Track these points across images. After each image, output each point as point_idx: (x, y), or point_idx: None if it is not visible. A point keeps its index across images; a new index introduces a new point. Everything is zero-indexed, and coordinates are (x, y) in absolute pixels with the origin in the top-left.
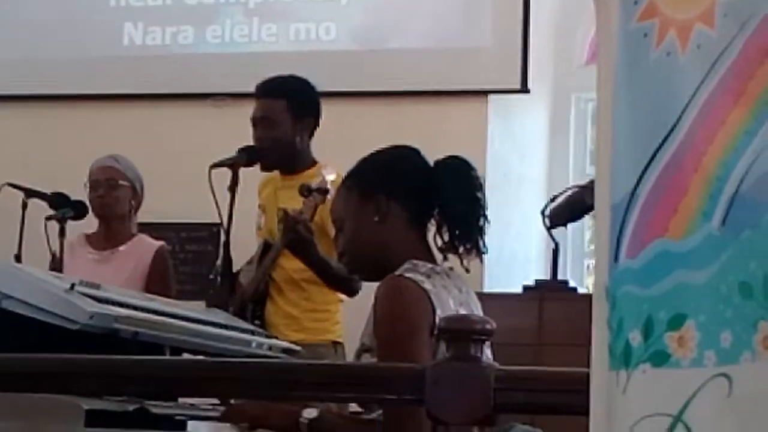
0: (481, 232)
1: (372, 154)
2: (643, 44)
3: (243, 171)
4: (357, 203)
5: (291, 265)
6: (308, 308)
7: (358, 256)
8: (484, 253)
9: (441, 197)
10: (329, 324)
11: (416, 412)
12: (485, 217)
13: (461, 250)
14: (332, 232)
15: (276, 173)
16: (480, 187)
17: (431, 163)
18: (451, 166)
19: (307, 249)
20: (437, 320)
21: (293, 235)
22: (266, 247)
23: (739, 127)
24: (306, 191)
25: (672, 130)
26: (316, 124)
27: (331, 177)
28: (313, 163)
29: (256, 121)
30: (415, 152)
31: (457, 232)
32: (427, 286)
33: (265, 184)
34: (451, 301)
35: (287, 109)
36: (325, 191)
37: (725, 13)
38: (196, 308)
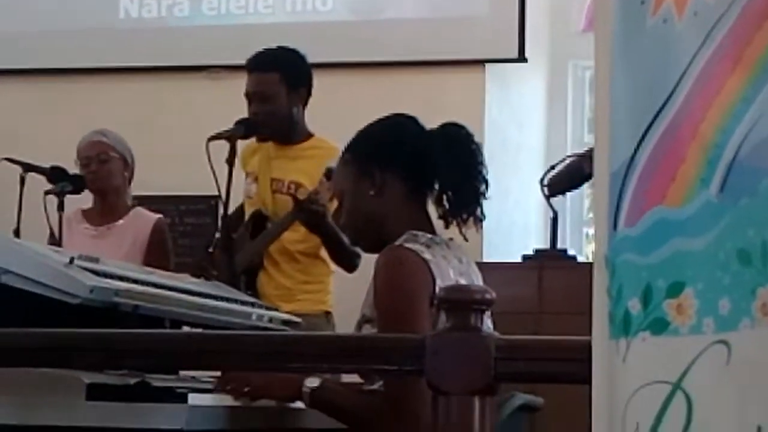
0: (478, 199)
1: (368, 125)
2: (640, 12)
3: (240, 143)
4: (353, 177)
5: (287, 236)
6: (302, 280)
7: (357, 228)
8: (481, 220)
9: (437, 166)
10: (322, 295)
11: (417, 382)
12: (485, 182)
13: (459, 219)
14: (332, 207)
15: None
16: (478, 153)
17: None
18: (446, 133)
19: (322, 223)
20: (437, 290)
21: (308, 215)
22: (259, 219)
23: (736, 94)
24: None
25: (669, 97)
26: (309, 94)
27: None
28: (309, 135)
29: (250, 96)
30: (412, 120)
31: (454, 201)
32: (427, 256)
33: (252, 152)
34: (450, 271)
35: (281, 81)
36: None
37: None
38: (194, 281)
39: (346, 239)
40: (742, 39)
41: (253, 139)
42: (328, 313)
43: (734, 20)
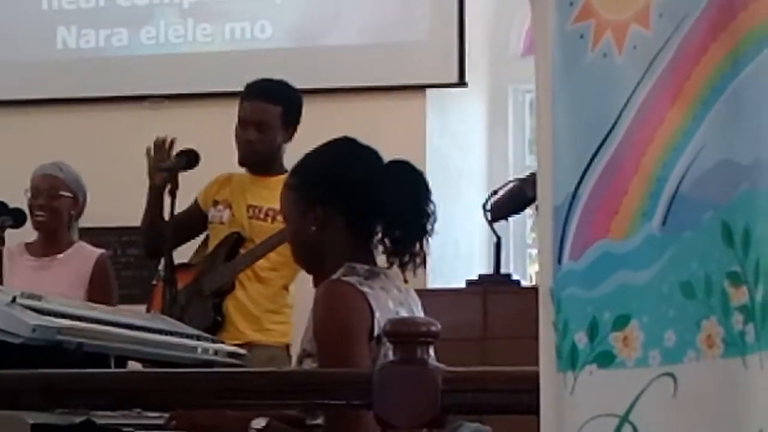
0: (422, 240)
1: (314, 152)
2: (580, 46)
3: (182, 174)
4: (297, 208)
5: (259, 263)
6: (269, 308)
7: (298, 255)
8: (424, 262)
9: (382, 205)
10: (286, 327)
11: (358, 417)
12: (432, 220)
13: (401, 260)
14: None
15: (238, 172)
16: (426, 191)
17: (378, 154)
18: (394, 171)
19: None
20: (376, 323)
21: None
22: (236, 241)
23: (677, 127)
24: None
25: (611, 131)
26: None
27: None
28: (286, 170)
29: (248, 122)
30: (359, 147)
31: (397, 243)
32: (365, 288)
33: (222, 184)
34: (390, 303)
35: (282, 116)
36: None
37: (660, 13)
38: (139, 314)
39: None
40: (681, 73)
41: (223, 172)
42: (288, 347)
43: (673, 54)
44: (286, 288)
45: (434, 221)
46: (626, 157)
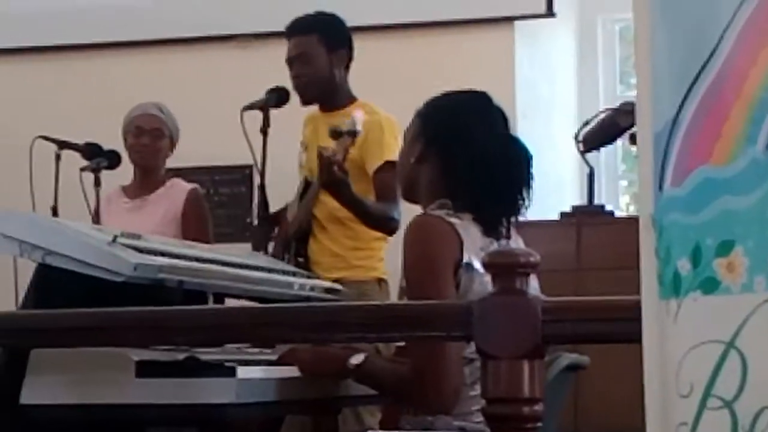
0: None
1: (451, 93)
2: None
3: (273, 112)
4: (410, 136)
5: (333, 203)
6: (352, 246)
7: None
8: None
9: (477, 181)
10: (374, 261)
11: (441, 349)
12: (522, 207)
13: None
14: (371, 170)
15: (317, 110)
16: (524, 178)
17: (506, 117)
18: (504, 151)
19: (341, 190)
20: (465, 251)
21: (327, 177)
22: (307, 185)
23: None
24: (335, 134)
25: (712, 54)
26: (350, 57)
27: (360, 117)
28: (353, 99)
29: (291, 60)
30: (487, 111)
31: (487, 221)
32: (453, 219)
33: (308, 122)
34: (482, 235)
35: (320, 43)
36: (354, 133)
37: None
38: (237, 252)
39: (370, 204)
40: None
41: (310, 111)
42: (381, 281)
43: None
44: None
45: (527, 205)
46: (728, 80)
